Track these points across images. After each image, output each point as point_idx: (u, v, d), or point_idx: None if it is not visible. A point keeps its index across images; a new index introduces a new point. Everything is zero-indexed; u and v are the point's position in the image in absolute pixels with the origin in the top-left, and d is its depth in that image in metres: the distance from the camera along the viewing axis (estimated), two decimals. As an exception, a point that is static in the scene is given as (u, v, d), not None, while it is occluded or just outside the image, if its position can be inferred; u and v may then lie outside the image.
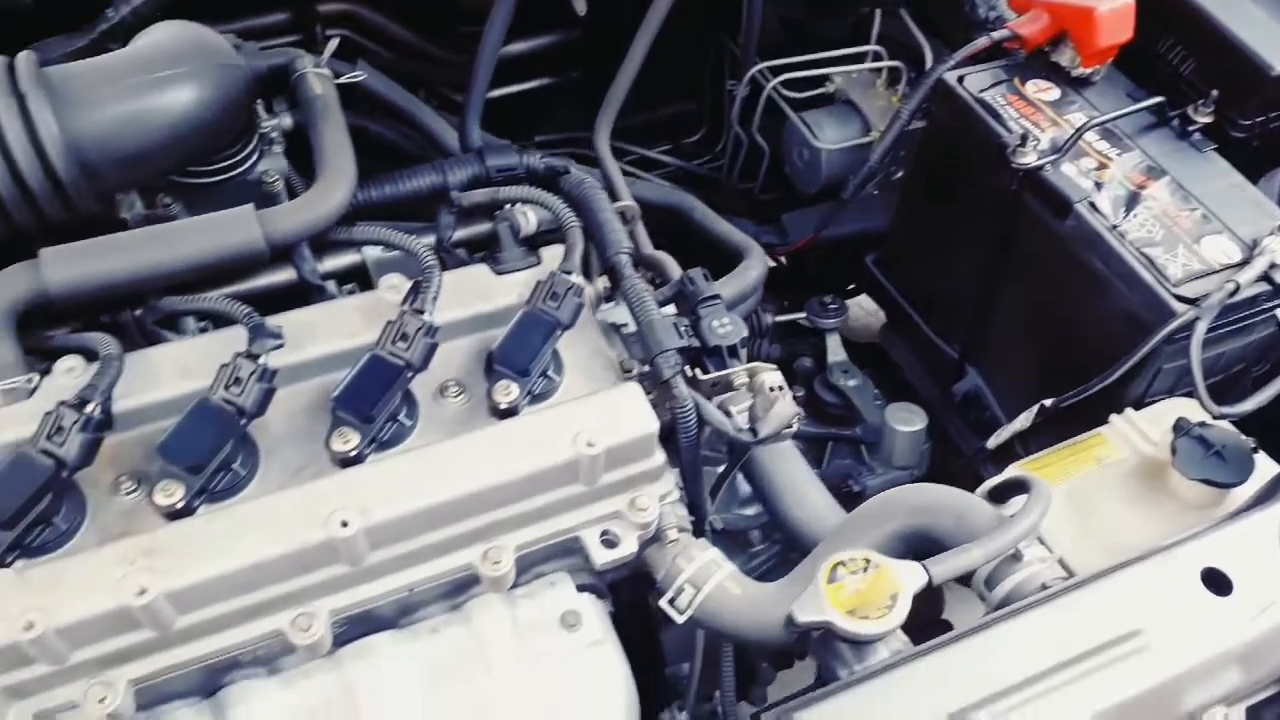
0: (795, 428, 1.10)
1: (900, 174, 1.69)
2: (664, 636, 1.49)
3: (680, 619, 1.15)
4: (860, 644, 0.92)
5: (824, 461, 1.66)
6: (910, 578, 0.90)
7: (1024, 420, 1.32)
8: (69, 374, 1.03)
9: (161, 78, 0.99)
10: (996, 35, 1.42)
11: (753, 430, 1.09)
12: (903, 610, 0.88)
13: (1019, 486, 1.07)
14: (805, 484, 1.29)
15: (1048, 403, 1.29)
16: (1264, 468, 1.12)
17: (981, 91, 1.38)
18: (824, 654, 0.95)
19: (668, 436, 1.13)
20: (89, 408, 0.97)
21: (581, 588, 1.17)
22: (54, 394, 1.01)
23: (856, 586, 0.89)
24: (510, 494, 1.04)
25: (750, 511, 1.60)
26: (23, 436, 0.98)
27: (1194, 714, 0.90)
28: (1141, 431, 1.19)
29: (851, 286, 1.90)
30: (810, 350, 1.68)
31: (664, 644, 1.49)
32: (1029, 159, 1.30)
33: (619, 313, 1.27)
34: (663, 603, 1.16)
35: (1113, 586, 0.93)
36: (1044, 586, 0.97)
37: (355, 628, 1.09)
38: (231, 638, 1.00)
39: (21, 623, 0.88)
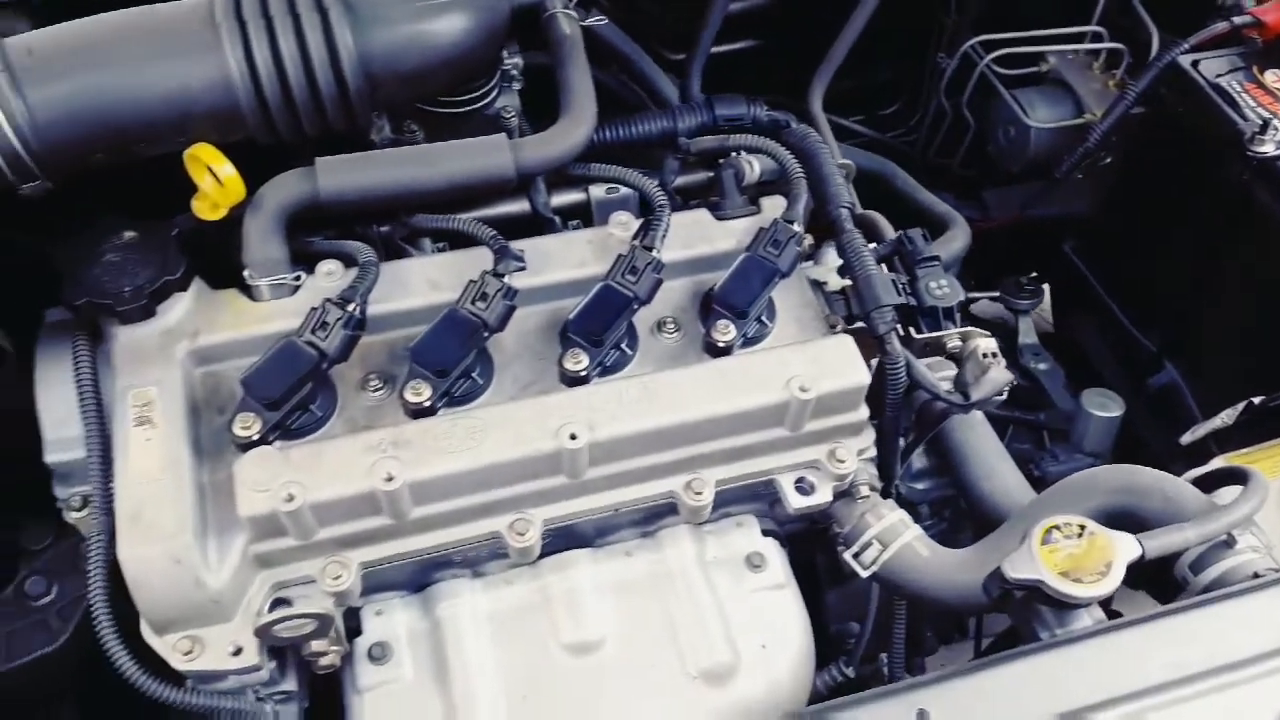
0: (1004, 395, 1.11)
1: (1109, 160, 1.65)
2: (828, 596, 1.52)
3: (864, 574, 1.18)
4: (1065, 608, 0.93)
5: (1003, 445, 1.66)
6: (1125, 548, 0.91)
7: (1227, 417, 1.29)
8: (328, 276, 1.13)
9: (443, 4, 1.06)
10: (1238, 20, 1.38)
11: (964, 394, 1.11)
12: (1116, 579, 0.89)
13: (1231, 477, 1.06)
14: (996, 457, 1.30)
15: (1256, 400, 1.26)
16: None
17: (1217, 77, 1.34)
18: (1025, 615, 0.97)
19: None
20: (351, 306, 1.05)
21: (765, 533, 1.22)
22: (315, 293, 1.10)
23: (1070, 550, 0.90)
24: (720, 428, 1.09)
25: (922, 485, 1.61)
26: (286, 328, 1.07)
27: None
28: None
29: (1034, 275, 1.88)
30: (995, 331, 1.67)
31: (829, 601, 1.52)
32: (1267, 148, 1.26)
33: (819, 271, 1.30)
34: (847, 556, 1.20)
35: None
36: (1255, 575, 0.96)
37: (557, 541, 1.16)
38: (455, 534, 1.08)
39: (283, 494, 0.98)
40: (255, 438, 1.01)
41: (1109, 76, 1.68)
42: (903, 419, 1.16)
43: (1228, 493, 1.05)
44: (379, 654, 1.09)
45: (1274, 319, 1.32)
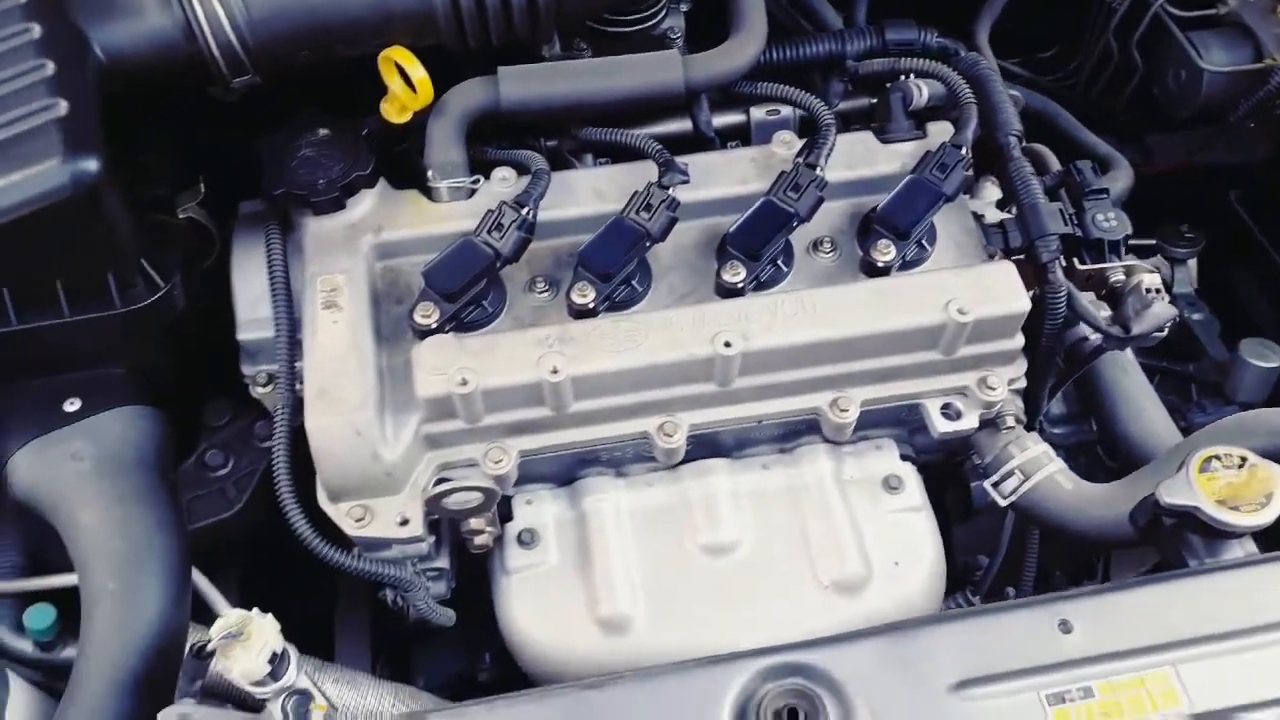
0: (1166, 331, 1.10)
1: (1285, 109, 1.59)
2: (955, 531, 1.54)
3: (1003, 503, 1.19)
4: (1217, 538, 0.93)
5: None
6: (1286, 480, 0.90)
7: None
8: (503, 182, 1.18)
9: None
10: None
11: (1124, 328, 1.10)
12: (1275, 510, 0.89)
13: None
14: (1147, 400, 1.29)
15: None
16: None
17: None
18: (1174, 545, 0.97)
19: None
20: (524, 210, 1.10)
21: (903, 458, 1.24)
22: (490, 197, 1.16)
23: (1229, 479, 0.90)
24: (873, 347, 1.11)
25: (1059, 430, 1.59)
26: (463, 229, 1.13)
27: None
28: None
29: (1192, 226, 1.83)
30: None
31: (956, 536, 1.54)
32: None
33: (976, 205, 1.30)
34: (986, 485, 1.20)
35: None
36: None
37: (698, 450, 1.20)
38: (607, 430, 1.13)
39: (458, 379, 1.04)
40: (433, 326, 1.08)
41: (1294, 20, 1.61)
42: (1057, 352, 1.16)
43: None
44: (528, 539, 1.16)
45: None
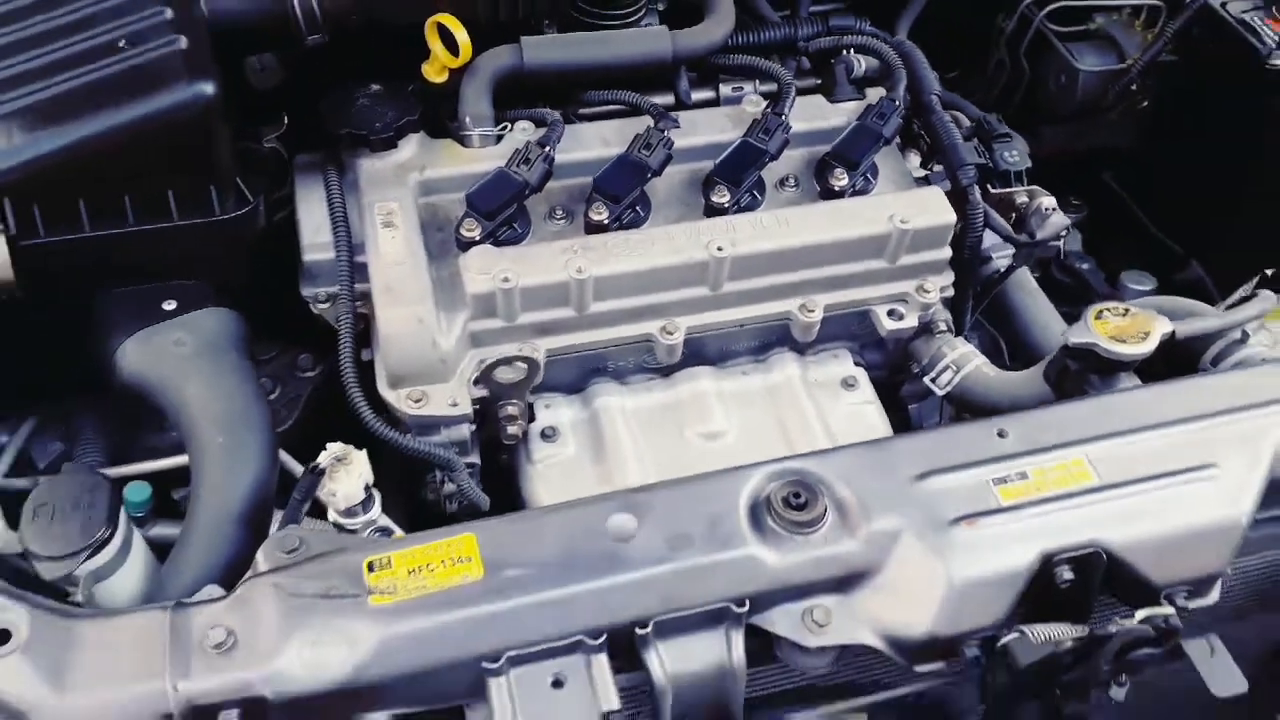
0: (1063, 240, 1.38)
1: (1145, 103, 1.92)
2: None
3: (940, 393, 1.45)
4: (1111, 373, 1.19)
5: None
6: (1161, 323, 1.17)
7: (1245, 289, 1.54)
8: (524, 131, 1.42)
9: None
10: (1260, -27, 1.67)
11: (1030, 235, 1.38)
12: (1153, 343, 1.16)
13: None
14: (1048, 315, 1.56)
15: (1269, 271, 1.51)
16: None
17: (1242, 14, 1.62)
18: (1078, 386, 1.23)
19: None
20: (546, 148, 1.34)
21: (855, 364, 1.49)
22: (514, 144, 1.39)
23: (1117, 323, 1.17)
24: (832, 254, 1.36)
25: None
26: (493, 168, 1.36)
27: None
28: (1356, 293, 1.41)
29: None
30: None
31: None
32: (1280, 62, 1.54)
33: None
34: (925, 381, 1.46)
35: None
36: (1264, 361, 1.22)
37: (688, 360, 1.42)
38: (619, 332, 1.35)
39: (501, 278, 1.26)
40: (476, 239, 1.30)
41: (1149, 31, 1.96)
42: (975, 267, 1.43)
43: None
44: (549, 434, 1.36)
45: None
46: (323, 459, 1.07)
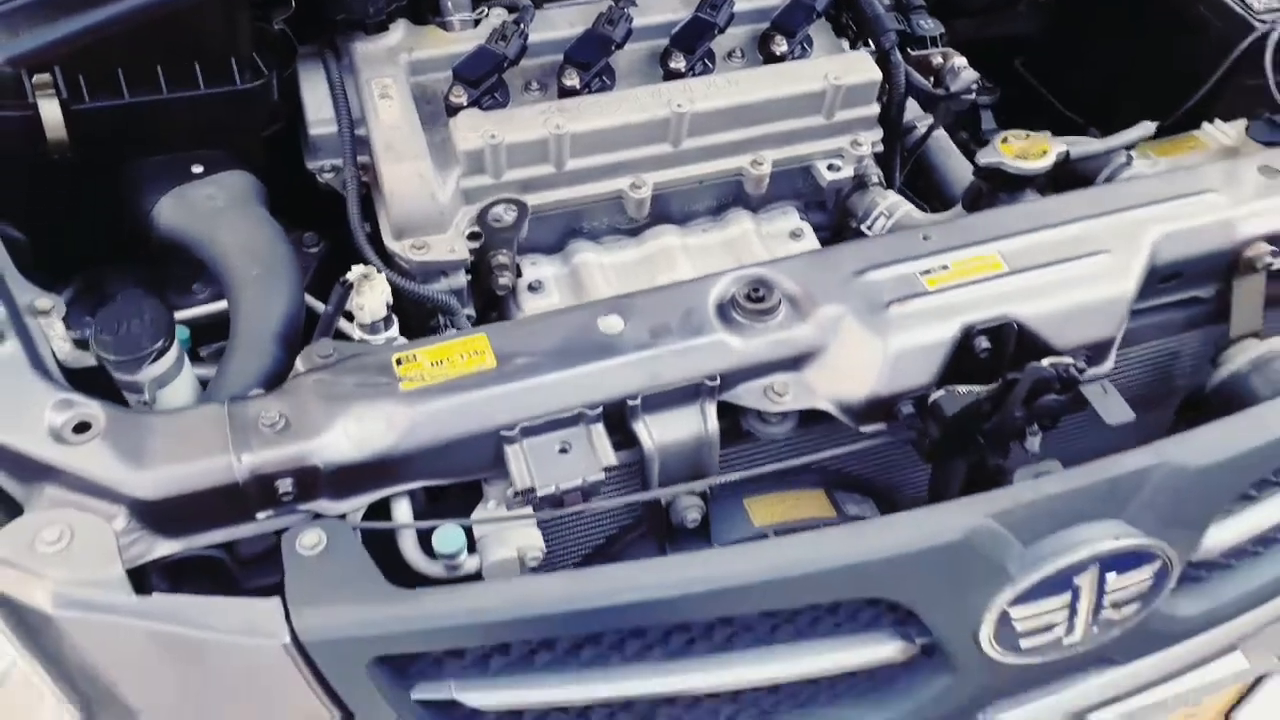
0: (974, 93, 1.59)
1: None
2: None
3: (873, 235, 1.65)
4: (1015, 190, 1.40)
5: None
6: (1057, 144, 1.38)
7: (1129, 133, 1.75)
8: (499, 15, 1.59)
9: None
10: None
11: (945, 89, 1.59)
12: (1050, 160, 1.37)
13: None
14: (963, 168, 1.77)
15: (1151, 125, 1.73)
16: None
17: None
18: (989, 205, 1.44)
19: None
20: (522, 25, 1.51)
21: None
22: (490, 26, 1.56)
23: (1019, 145, 1.38)
24: (776, 110, 1.55)
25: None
26: (473, 48, 1.53)
27: (1241, 245, 1.36)
28: (1223, 132, 1.63)
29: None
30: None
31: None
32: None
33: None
34: (863, 228, 1.66)
35: (1194, 172, 1.40)
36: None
37: (654, 220, 1.61)
38: (592, 189, 1.53)
39: (488, 135, 1.43)
40: (464, 104, 1.47)
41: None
42: (899, 122, 1.64)
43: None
44: (535, 287, 1.54)
45: (1166, 76, 1.82)
46: (351, 274, 1.24)
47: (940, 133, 1.75)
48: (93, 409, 1.13)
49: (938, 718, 1.28)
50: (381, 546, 1.12)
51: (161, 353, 1.18)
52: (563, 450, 1.19)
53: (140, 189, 1.36)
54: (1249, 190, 1.37)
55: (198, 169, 1.38)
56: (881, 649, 1.20)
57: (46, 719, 1.14)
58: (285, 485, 1.13)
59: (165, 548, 1.13)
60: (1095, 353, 1.29)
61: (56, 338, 1.22)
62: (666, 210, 1.61)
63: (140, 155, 1.38)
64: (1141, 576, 1.20)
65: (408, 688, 1.14)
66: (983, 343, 1.25)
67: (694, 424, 1.24)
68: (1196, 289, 1.40)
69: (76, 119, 1.28)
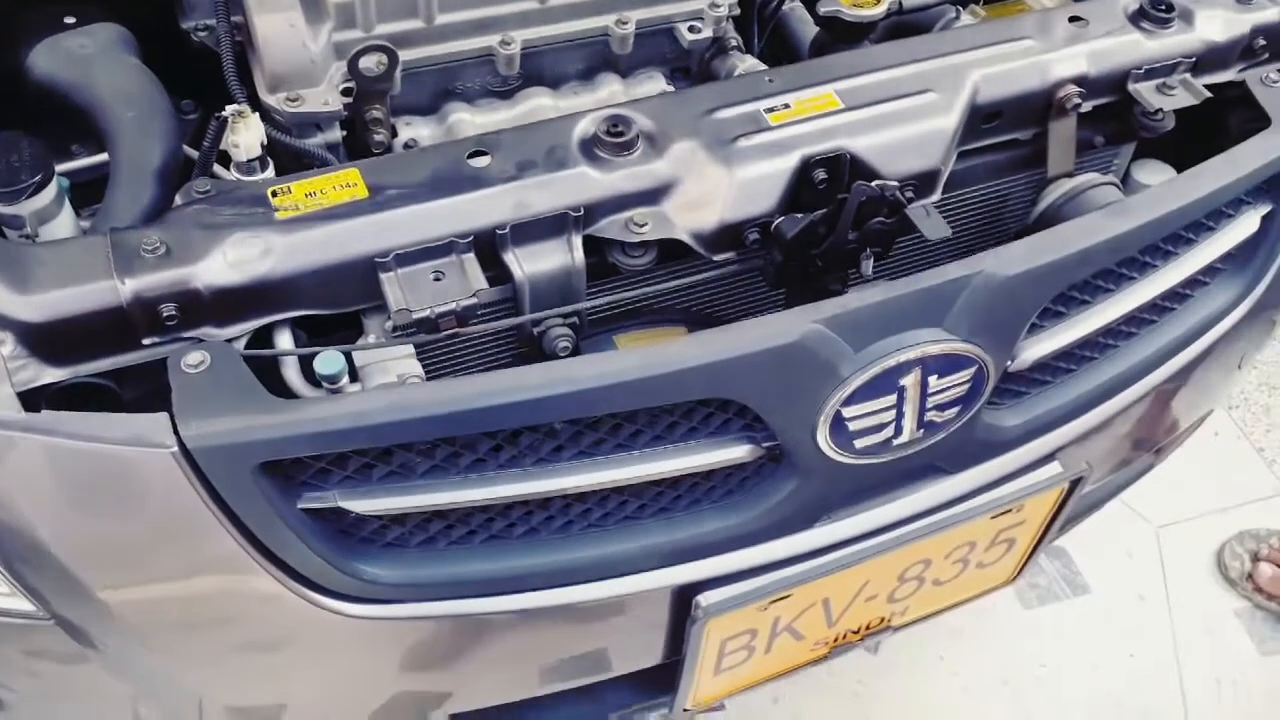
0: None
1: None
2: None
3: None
4: (854, 39, 1.52)
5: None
6: (887, -3, 1.50)
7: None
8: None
9: None
10: None
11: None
12: (883, 7, 1.48)
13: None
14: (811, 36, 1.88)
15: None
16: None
17: None
18: (832, 51, 1.55)
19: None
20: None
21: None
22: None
23: (856, -3, 1.49)
24: (636, -30, 1.63)
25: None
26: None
27: (1053, 87, 1.50)
28: (1050, -3, 1.77)
29: None
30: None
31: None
32: None
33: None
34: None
35: (1011, 22, 1.54)
36: (971, 29, 1.57)
37: (526, 83, 1.68)
38: (462, 45, 1.59)
39: (356, -12, 1.48)
40: (333, -41, 1.51)
41: None
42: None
43: None
44: (411, 145, 1.61)
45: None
46: (226, 111, 1.29)
47: (798, 4, 1.85)
48: (-27, 239, 1.17)
49: (785, 519, 1.43)
50: (265, 378, 1.19)
51: (40, 186, 1.22)
52: (436, 278, 1.27)
53: (13, 39, 1.38)
54: (1060, 37, 1.51)
55: (70, 20, 1.40)
56: (731, 451, 1.33)
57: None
58: (169, 309, 1.19)
59: (53, 374, 1.19)
60: (923, 183, 1.42)
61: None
62: (539, 73, 1.68)
63: (12, 8, 1.40)
64: (961, 379, 1.35)
65: (295, 499, 1.23)
66: (820, 174, 1.36)
67: (562, 255, 1.34)
68: (1017, 131, 1.54)
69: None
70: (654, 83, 1.74)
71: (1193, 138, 1.65)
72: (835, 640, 1.68)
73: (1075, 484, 1.61)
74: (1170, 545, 2.85)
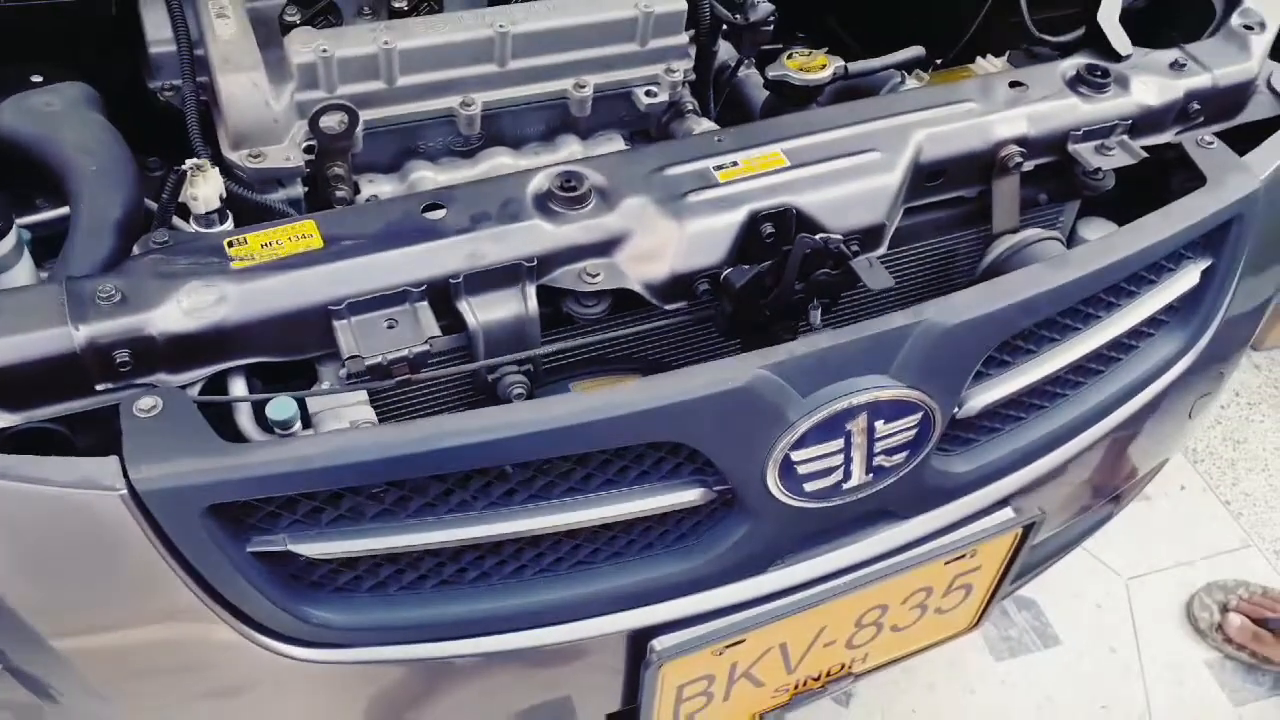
0: (771, 25, 1.76)
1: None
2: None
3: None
4: (802, 102, 1.57)
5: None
6: (836, 60, 1.56)
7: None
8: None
9: None
10: None
11: (745, 19, 1.75)
12: (829, 73, 1.54)
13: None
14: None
15: (921, 49, 1.91)
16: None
17: None
18: (780, 114, 1.60)
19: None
20: (352, -48, 1.62)
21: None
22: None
23: (803, 61, 1.56)
24: (593, 35, 1.66)
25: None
26: (307, -27, 1.63)
27: (995, 147, 1.55)
28: (991, 64, 1.84)
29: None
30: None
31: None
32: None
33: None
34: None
35: (953, 86, 1.60)
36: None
37: (488, 143, 1.73)
38: (423, 106, 1.64)
39: (321, 49, 1.52)
40: (298, 22, 1.56)
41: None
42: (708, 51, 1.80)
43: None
44: (372, 200, 1.64)
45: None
46: (186, 165, 1.32)
47: (753, 71, 1.92)
48: (-71, 286, 1.19)
49: (739, 563, 1.44)
50: (219, 425, 1.21)
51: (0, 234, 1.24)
52: (389, 325, 1.30)
53: (-22, 96, 1.42)
54: (1000, 100, 1.57)
55: (37, 79, 1.44)
56: (683, 495, 1.35)
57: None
58: (122, 355, 1.21)
59: (5, 419, 1.20)
60: (868, 237, 1.46)
61: (-107, 229, 1.27)
62: (500, 133, 1.73)
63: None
64: (908, 425, 1.38)
65: (244, 542, 1.24)
66: (768, 228, 1.40)
67: (515, 304, 1.36)
68: (962, 188, 1.59)
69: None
70: (613, 144, 1.79)
71: (1137, 199, 1.71)
72: (796, 687, 1.67)
73: (1029, 529, 1.63)
74: (1140, 597, 2.86)
